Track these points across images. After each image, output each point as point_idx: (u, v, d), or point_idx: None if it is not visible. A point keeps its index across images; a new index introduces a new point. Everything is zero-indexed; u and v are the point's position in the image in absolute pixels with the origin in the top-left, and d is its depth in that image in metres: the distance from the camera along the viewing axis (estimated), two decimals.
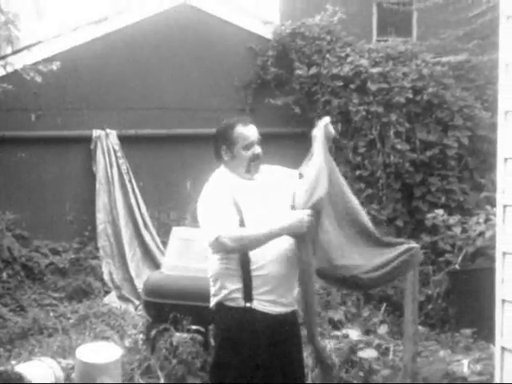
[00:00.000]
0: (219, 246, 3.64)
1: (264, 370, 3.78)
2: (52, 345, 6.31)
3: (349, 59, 9.29)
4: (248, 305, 3.74)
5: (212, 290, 3.89)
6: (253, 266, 3.73)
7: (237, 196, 3.81)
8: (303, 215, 3.61)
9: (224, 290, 3.78)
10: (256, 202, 3.82)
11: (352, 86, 9.12)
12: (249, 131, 3.92)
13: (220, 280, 3.81)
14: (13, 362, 5.76)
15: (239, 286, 3.74)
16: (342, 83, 9.13)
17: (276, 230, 3.65)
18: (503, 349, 4.78)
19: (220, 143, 3.94)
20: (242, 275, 3.74)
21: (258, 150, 3.91)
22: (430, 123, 9.10)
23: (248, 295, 3.73)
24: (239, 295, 3.74)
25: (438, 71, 9.29)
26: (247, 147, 3.90)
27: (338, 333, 5.95)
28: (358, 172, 8.96)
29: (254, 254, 3.72)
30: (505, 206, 4.80)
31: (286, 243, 3.78)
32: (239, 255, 3.73)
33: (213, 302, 3.88)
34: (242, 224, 3.73)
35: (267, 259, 3.73)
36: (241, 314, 3.74)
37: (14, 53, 8.61)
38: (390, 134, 8.93)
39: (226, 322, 3.80)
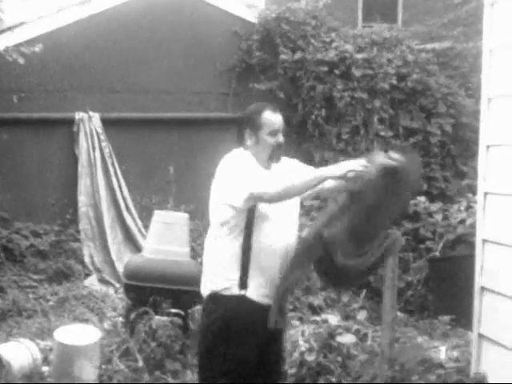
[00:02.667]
0: (255, 199, 3.62)
1: (254, 358, 3.77)
2: (31, 326, 6.29)
3: (334, 44, 9.27)
4: (242, 293, 3.73)
5: (205, 276, 3.89)
6: (253, 256, 3.72)
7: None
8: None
9: (219, 278, 3.76)
10: None
11: (336, 72, 9.12)
12: (276, 118, 3.88)
13: (217, 266, 3.79)
14: None
15: (236, 274, 3.72)
16: (326, 69, 9.12)
17: (319, 174, 3.64)
18: (480, 336, 4.84)
19: (245, 126, 3.89)
20: (241, 264, 3.72)
21: (281, 138, 3.88)
22: (414, 110, 9.13)
23: (243, 284, 3.72)
24: (235, 283, 3.72)
25: (422, 58, 9.30)
26: (272, 134, 3.86)
27: (317, 318, 5.96)
28: (341, 158, 8.94)
29: (256, 244, 3.71)
30: (486, 194, 4.85)
31: (292, 239, 3.80)
32: (242, 243, 3.71)
33: (206, 288, 3.87)
34: (255, 209, 3.71)
35: (268, 253, 3.72)
36: (234, 302, 3.71)
37: None
38: (374, 121, 8.95)
39: (219, 311, 3.76)
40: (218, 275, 3.76)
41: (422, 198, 7.72)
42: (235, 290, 3.71)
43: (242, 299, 3.71)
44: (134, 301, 5.86)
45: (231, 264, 3.73)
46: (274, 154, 3.89)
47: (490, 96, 4.87)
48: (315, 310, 6.67)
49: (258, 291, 3.73)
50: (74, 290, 7.37)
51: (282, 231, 3.77)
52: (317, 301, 6.80)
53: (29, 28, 8.75)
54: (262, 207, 3.71)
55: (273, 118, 3.87)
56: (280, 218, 3.79)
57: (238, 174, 3.70)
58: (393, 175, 3.64)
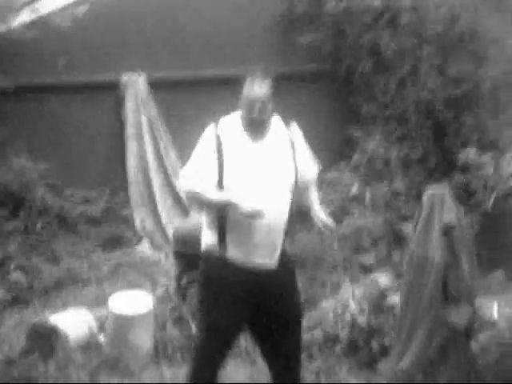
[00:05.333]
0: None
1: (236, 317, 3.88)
2: (86, 295, 6.44)
3: None
4: (222, 254, 3.76)
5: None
6: (229, 226, 3.73)
7: (229, 151, 3.74)
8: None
9: (205, 240, 3.88)
10: (248, 164, 3.72)
11: (383, 20, 8.85)
12: (250, 90, 3.71)
13: (205, 228, 3.89)
14: (47, 313, 5.90)
15: (216, 237, 3.78)
16: (372, 17, 8.86)
17: (216, 200, 3.69)
18: None
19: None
20: (219, 231, 3.77)
21: (251, 112, 3.70)
22: (463, 56, 8.81)
23: (223, 247, 3.76)
24: (216, 245, 3.78)
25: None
26: (243, 106, 3.74)
27: (367, 278, 5.94)
28: (387, 112, 8.74)
29: (231, 216, 3.69)
30: None
31: (274, 214, 3.73)
32: (216, 213, 3.75)
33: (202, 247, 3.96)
34: (220, 181, 3.71)
35: (244, 225, 3.68)
36: (216, 262, 3.80)
37: None
38: (422, 70, 8.68)
39: (205, 271, 3.92)
40: (205, 236, 3.87)
41: (473, 150, 7.50)
42: (216, 252, 3.78)
43: (223, 260, 3.75)
44: (185, 267, 5.91)
45: (212, 228, 3.80)
46: (248, 128, 3.73)
47: None
48: (366, 270, 6.60)
49: (238, 255, 3.74)
50: (126, 257, 7.46)
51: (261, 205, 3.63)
52: (368, 260, 6.71)
53: None
54: (228, 180, 3.71)
55: (246, 89, 3.72)
56: (257, 192, 3.69)
57: (194, 158, 3.88)
58: None
